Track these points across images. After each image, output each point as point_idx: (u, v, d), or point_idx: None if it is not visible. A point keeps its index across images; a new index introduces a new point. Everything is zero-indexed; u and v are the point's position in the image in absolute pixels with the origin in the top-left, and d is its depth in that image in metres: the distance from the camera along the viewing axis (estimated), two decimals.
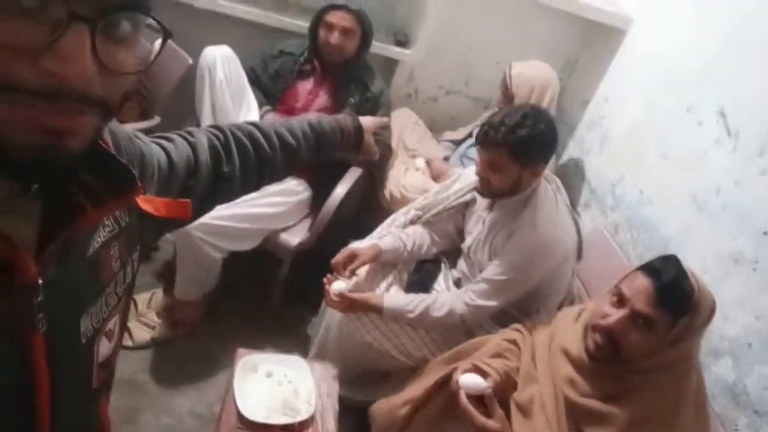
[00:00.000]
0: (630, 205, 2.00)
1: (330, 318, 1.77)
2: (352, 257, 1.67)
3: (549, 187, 1.61)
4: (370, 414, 1.53)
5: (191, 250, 1.86)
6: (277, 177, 0.97)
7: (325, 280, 1.65)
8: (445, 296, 1.64)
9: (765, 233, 1.43)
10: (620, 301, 1.17)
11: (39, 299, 0.48)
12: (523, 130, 1.44)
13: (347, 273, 1.64)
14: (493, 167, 1.51)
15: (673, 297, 1.11)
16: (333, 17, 1.97)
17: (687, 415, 1.15)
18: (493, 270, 1.58)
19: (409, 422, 1.40)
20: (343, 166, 2.09)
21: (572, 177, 2.39)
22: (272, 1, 2.26)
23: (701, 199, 1.67)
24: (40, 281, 0.48)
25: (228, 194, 0.88)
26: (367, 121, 1.08)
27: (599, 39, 2.39)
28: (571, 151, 2.48)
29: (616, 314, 1.16)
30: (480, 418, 1.19)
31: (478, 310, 1.59)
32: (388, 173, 2.22)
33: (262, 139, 0.90)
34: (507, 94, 2.07)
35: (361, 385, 1.75)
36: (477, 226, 1.71)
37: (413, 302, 1.61)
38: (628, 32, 2.24)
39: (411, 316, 1.60)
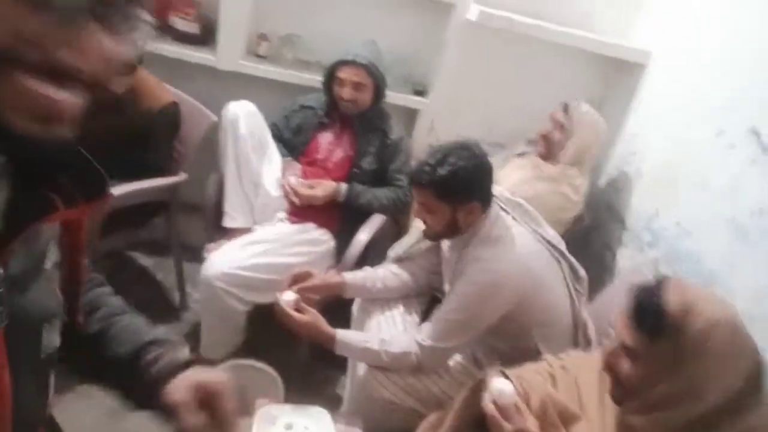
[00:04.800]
0: (668, 239, 1.90)
1: (353, 375, 1.70)
2: (308, 275, 1.65)
3: (500, 218, 1.53)
4: None
5: (215, 304, 1.85)
6: None
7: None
8: (402, 336, 1.58)
9: None
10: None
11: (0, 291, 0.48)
12: (443, 168, 1.42)
13: (293, 288, 1.59)
14: (425, 208, 1.51)
15: (643, 317, 1.01)
16: (343, 73, 2.01)
17: None
18: (443, 310, 1.53)
19: None
20: (366, 214, 2.08)
21: (605, 218, 2.30)
22: (293, 60, 2.35)
23: (740, 223, 1.57)
24: (1, 270, 0.48)
25: None
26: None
27: (620, 75, 2.37)
28: (602, 191, 2.40)
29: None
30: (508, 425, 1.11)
31: (433, 352, 1.51)
32: (413, 219, 2.19)
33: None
34: (560, 128, 2.10)
35: None
36: (445, 267, 1.69)
37: (369, 338, 1.56)
38: (647, 66, 2.22)
39: (366, 347, 1.53)
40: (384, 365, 1.54)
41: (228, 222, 2.05)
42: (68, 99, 0.44)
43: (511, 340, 1.57)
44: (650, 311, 1.00)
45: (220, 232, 2.06)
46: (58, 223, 0.60)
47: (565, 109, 2.10)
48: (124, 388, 0.70)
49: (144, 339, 0.73)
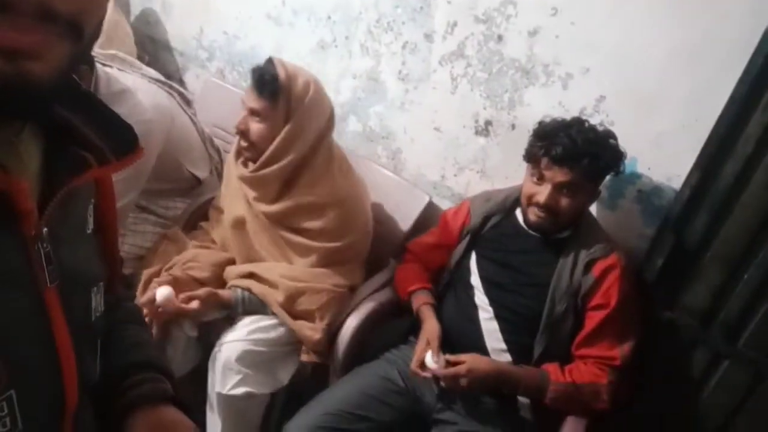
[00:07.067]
0: (223, 49, 2.27)
1: None
2: None
3: (108, 74, 1.55)
4: None
5: None
6: None
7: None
8: None
9: (329, 17, 1.91)
10: None
11: (46, 248, 0.48)
12: None
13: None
14: None
15: (264, 86, 1.43)
16: None
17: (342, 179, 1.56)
18: None
19: None
20: None
21: (156, 51, 2.48)
22: None
23: (275, 15, 2.05)
24: (45, 230, 0.48)
25: None
26: None
27: None
28: (138, 28, 2.52)
29: None
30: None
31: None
32: None
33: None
34: None
35: None
36: None
37: None
38: None
39: None
40: None
41: None
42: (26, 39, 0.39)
43: (168, 177, 1.76)
44: (269, 81, 1.42)
45: None
46: (93, 186, 0.58)
47: None
48: (99, 398, 0.66)
49: (139, 357, 0.70)
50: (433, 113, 1.80)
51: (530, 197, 1.38)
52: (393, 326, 1.62)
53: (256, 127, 1.47)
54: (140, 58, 2.23)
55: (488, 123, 1.69)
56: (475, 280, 1.51)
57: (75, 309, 0.53)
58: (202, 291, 1.48)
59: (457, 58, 1.69)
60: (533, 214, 1.39)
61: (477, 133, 1.72)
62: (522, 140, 1.44)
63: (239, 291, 1.53)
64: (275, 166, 1.50)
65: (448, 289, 1.58)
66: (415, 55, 1.77)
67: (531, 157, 1.38)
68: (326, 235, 1.55)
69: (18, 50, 0.39)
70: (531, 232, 1.44)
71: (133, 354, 0.71)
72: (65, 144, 0.52)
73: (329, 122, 1.55)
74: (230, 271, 1.61)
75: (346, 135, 2.00)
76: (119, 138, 0.56)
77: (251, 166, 1.54)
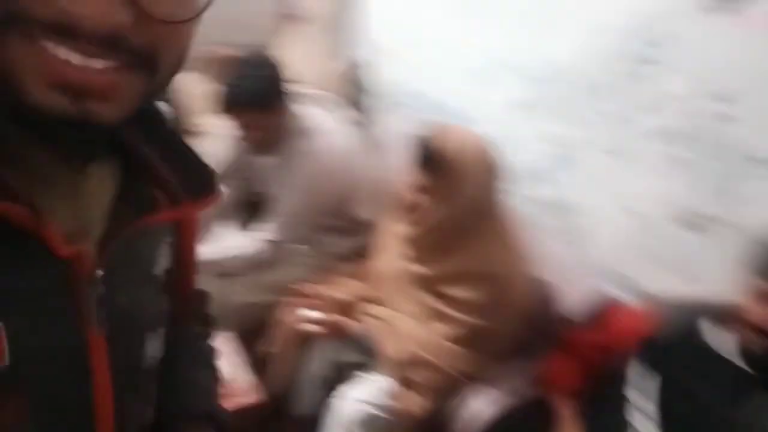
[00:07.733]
0: (418, 97, 2.27)
1: None
2: None
3: (300, 110, 1.65)
4: None
5: None
6: None
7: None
8: (242, 240, 1.71)
9: (528, 76, 1.80)
10: None
11: (100, 290, 0.45)
12: (251, 82, 1.50)
13: None
14: (250, 125, 1.58)
15: (429, 161, 1.38)
16: None
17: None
18: (287, 205, 1.67)
19: None
20: None
21: (359, 93, 2.58)
22: None
23: (475, 69, 1.99)
24: (100, 272, 0.45)
25: None
26: None
27: None
28: (349, 73, 2.65)
29: None
30: None
31: (283, 245, 1.67)
32: None
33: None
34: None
35: None
36: (260, 172, 1.77)
37: (220, 249, 1.65)
38: None
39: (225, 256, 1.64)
40: (240, 270, 1.64)
41: None
42: (93, 66, 0.36)
43: (337, 215, 1.79)
44: (431, 155, 1.37)
45: None
46: (172, 224, 0.55)
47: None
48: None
49: (199, 404, 0.67)
50: (630, 194, 1.55)
51: (754, 322, 1.07)
52: (529, 427, 1.39)
53: (419, 198, 1.43)
54: (341, 99, 2.35)
55: (698, 216, 1.41)
56: (638, 398, 1.23)
57: (123, 352, 0.49)
58: (332, 318, 1.47)
59: (674, 137, 1.44)
60: (754, 343, 1.08)
61: (681, 225, 1.44)
62: (741, 243, 1.15)
63: (359, 328, 1.49)
64: (433, 232, 1.45)
65: (603, 398, 1.31)
66: (621, 125, 1.56)
67: (765, 271, 1.08)
68: (470, 310, 1.42)
69: (87, 90, 0.36)
70: (730, 359, 1.12)
71: (187, 399, 0.66)
72: (140, 181, 0.49)
73: (495, 191, 1.46)
74: (364, 306, 1.57)
75: (525, 201, 1.84)
76: (198, 179, 0.53)
77: (410, 225, 1.50)
